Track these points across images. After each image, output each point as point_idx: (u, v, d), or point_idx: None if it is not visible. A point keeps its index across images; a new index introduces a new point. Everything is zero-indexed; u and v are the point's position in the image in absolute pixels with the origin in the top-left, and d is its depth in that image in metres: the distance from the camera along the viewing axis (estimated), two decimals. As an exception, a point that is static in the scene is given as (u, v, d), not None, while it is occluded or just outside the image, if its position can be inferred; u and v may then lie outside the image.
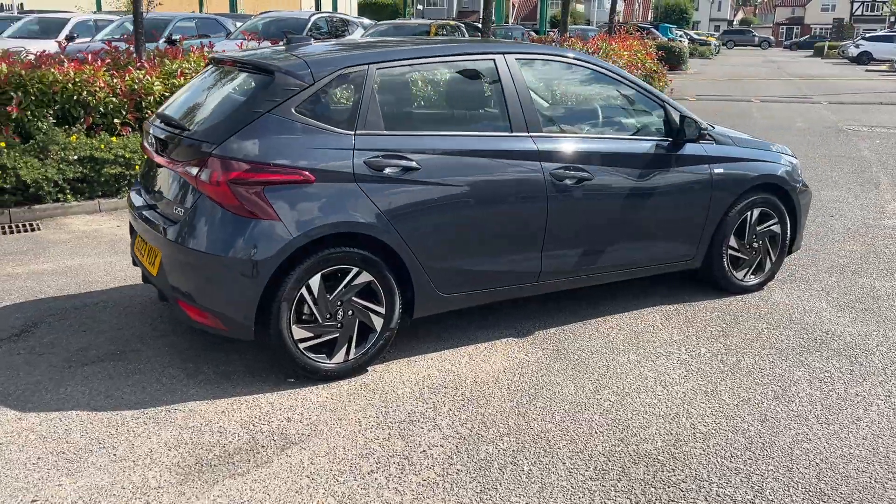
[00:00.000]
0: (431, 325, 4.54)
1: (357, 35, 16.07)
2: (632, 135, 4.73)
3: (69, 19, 16.81)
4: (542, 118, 4.42)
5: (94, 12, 24.02)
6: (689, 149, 4.78)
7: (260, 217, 3.63)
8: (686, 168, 4.76)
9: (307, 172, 3.70)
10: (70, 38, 16.08)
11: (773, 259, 5.28)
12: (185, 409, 3.62)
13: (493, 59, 4.29)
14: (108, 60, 8.23)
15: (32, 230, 6.61)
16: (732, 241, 5.05)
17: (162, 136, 4.03)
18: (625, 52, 16.35)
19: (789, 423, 3.57)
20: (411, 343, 4.35)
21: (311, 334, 3.81)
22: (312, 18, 15.71)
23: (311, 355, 3.84)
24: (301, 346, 3.80)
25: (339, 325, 3.86)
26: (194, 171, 3.71)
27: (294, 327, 3.76)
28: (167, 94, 7.98)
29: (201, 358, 4.13)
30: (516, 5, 62.84)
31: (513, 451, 3.30)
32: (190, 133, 3.88)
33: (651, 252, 4.77)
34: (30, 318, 4.64)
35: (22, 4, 31.27)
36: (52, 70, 7.51)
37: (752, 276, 5.24)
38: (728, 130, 5.36)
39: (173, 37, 15.84)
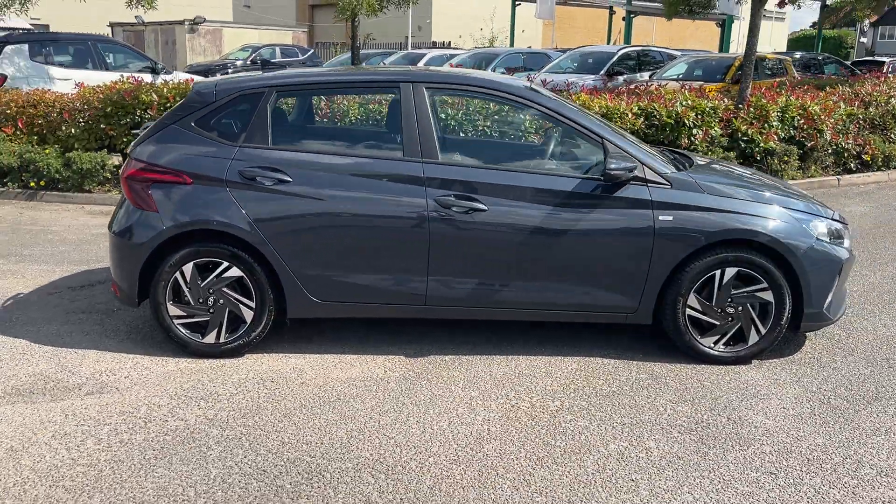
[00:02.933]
0: (343, 329, 4.87)
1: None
2: (551, 170, 4.50)
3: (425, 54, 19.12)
4: (443, 146, 4.48)
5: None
6: (628, 191, 4.38)
7: (144, 208, 4.42)
8: (618, 211, 4.37)
9: (185, 175, 4.39)
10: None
11: (763, 332, 4.49)
12: (93, 354, 4.54)
13: (399, 87, 4.50)
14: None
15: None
16: (693, 301, 4.45)
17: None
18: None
19: None
20: (316, 340, 4.75)
21: (184, 313, 4.48)
22: (620, 52, 15.84)
23: (186, 332, 4.50)
24: (176, 321, 4.48)
25: (209, 310, 4.47)
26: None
27: (170, 304, 4.46)
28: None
29: (140, 327, 5.01)
30: None
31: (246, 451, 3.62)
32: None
33: (572, 297, 4.47)
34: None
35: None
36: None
37: (724, 347, 4.53)
38: (717, 177, 4.70)
39: (497, 69, 17.20)
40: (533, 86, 4.87)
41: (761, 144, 10.11)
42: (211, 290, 4.44)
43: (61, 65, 11.19)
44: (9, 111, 9.44)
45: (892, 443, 3.66)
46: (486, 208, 4.33)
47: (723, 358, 4.53)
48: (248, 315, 4.47)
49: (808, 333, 4.97)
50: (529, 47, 23.96)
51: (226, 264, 4.41)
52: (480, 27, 42.94)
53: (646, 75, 15.61)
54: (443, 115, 4.74)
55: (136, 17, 28.37)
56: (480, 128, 5.14)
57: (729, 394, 4.15)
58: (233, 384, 4.18)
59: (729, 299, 4.44)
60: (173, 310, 4.46)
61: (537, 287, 4.45)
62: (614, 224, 4.36)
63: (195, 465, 3.37)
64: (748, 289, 4.43)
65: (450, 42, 36.73)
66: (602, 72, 15.65)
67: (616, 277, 4.43)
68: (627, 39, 29.45)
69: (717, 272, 4.41)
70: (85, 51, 11.63)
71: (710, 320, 4.48)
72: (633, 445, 3.60)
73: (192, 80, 9.34)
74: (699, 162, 5.14)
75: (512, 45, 30.62)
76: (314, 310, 4.52)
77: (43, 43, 11.26)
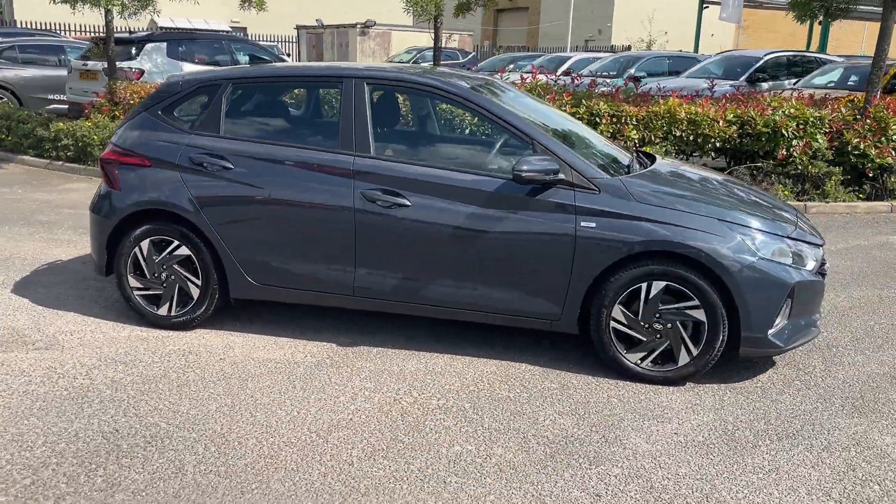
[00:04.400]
0: (297, 313, 5.07)
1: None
2: (478, 170, 4.44)
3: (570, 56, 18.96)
4: (380, 141, 4.55)
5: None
6: (552, 194, 4.26)
7: (112, 188, 4.87)
8: (540, 214, 4.26)
9: (146, 158, 4.78)
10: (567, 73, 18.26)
11: (695, 353, 4.20)
12: (69, 316, 5.05)
13: (342, 82, 4.64)
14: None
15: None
16: (618, 314, 4.25)
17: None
18: None
19: None
20: (265, 322, 4.99)
21: (142, 286, 4.88)
22: (766, 57, 14.89)
23: (143, 302, 4.90)
24: (136, 292, 4.89)
25: (163, 285, 4.84)
26: (109, 153, 5.11)
27: (130, 277, 4.88)
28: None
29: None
30: None
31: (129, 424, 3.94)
32: None
33: (494, 299, 4.41)
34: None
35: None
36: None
37: (651, 365, 4.28)
38: (656, 185, 4.42)
39: (636, 74, 16.75)
40: (480, 84, 4.81)
41: (875, 160, 9.21)
42: (164, 266, 4.79)
43: (194, 61, 12.23)
44: (132, 101, 10.49)
45: (763, 482, 3.33)
46: (409, 204, 4.37)
47: (649, 376, 4.28)
48: (196, 292, 4.78)
49: (789, 362, 4.56)
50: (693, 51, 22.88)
51: (177, 243, 4.75)
52: (665, 31, 41.67)
53: (794, 82, 14.57)
54: (391, 111, 4.80)
55: (316, 20, 30.23)
56: (427, 125, 5.13)
57: (629, 413, 3.93)
58: (161, 353, 4.50)
59: (657, 314, 4.19)
60: (133, 282, 4.86)
61: (460, 286, 4.42)
62: (535, 227, 4.25)
63: (64, 419, 3.70)
64: (677, 305, 4.16)
65: (629, 46, 35.94)
66: (743, 77, 14.80)
67: (538, 283, 4.31)
68: (823, 46, 27.49)
69: (644, 285, 4.17)
70: (218, 48, 12.64)
71: (637, 335, 4.24)
72: (477, 450, 3.53)
73: None
74: (658, 167, 4.86)
75: (696, 49, 29.47)
76: (253, 292, 4.75)
77: (180, 41, 12.36)
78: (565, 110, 9.08)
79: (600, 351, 4.33)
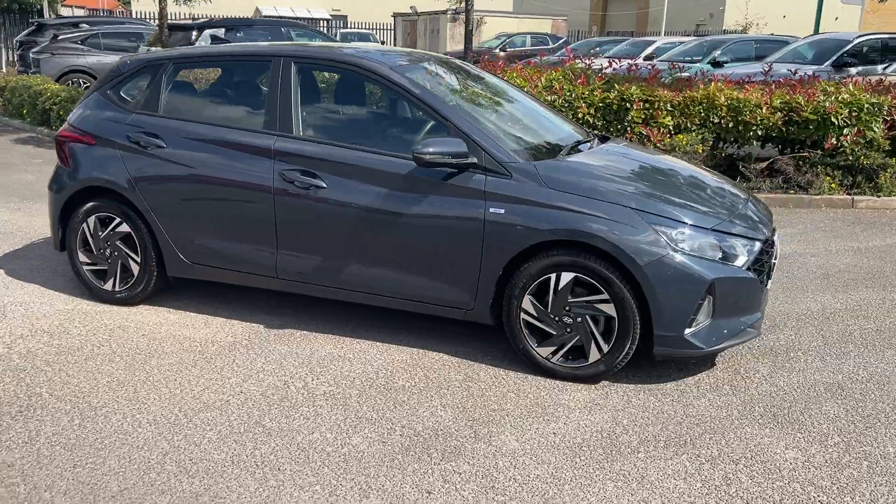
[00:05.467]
0: (243, 294, 5.10)
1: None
2: (395, 152, 4.29)
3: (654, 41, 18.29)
4: (305, 121, 4.49)
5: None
6: (463, 179, 4.09)
7: (63, 165, 5.02)
8: (451, 199, 4.10)
9: (91, 136, 4.91)
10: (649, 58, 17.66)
11: (605, 349, 3.95)
12: (31, 287, 5.27)
13: (270, 61, 4.60)
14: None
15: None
16: (528, 305, 4.05)
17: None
18: None
19: None
20: (208, 301, 5.05)
21: (90, 261, 5.02)
22: (856, 40, 13.87)
23: (92, 277, 5.04)
24: (85, 267, 5.04)
25: (107, 260, 4.97)
26: (71, 131, 5.27)
27: (80, 252, 5.03)
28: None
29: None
30: None
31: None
32: None
33: (408, 285, 4.28)
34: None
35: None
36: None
37: (562, 360, 4.05)
38: (577, 168, 4.16)
39: (719, 58, 15.99)
40: (416, 63, 4.65)
41: (940, 152, 8.41)
42: (108, 243, 4.91)
43: (250, 47, 12.50)
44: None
45: (618, 491, 3.09)
46: (325, 185, 4.30)
47: (559, 372, 4.05)
48: (136, 269, 4.88)
49: (732, 365, 4.24)
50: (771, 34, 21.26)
51: (118, 220, 4.85)
52: (783, 14, 39.67)
53: (885, 67, 13.53)
54: (318, 91, 4.71)
55: (410, 7, 30.42)
56: (353, 105, 5.00)
57: (519, 410, 3.74)
58: (91, 327, 4.61)
59: (566, 307, 3.96)
60: (82, 257, 5.00)
61: (375, 271, 4.32)
62: (446, 212, 4.10)
63: (-40, 385, 3.85)
64: (587, 298, 3.91)
65: (745, 28, 34.42)
66: (828, 62, 13.84)
67: (450, 270, 4.16)
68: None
69: (553, 276, 3.95)
70: (275, 34, 12.86)
71: (547, 329, 4.02)
72: (335, 439, 3.43)
73: None
74: (597, 150, 4.60)
75: (816, 31, 27.83)
76: (187, 271, 4.80)
77: (238, 28, 12.66)
78: (595, 95, 8.74)
79: (512, 343, 4.13)
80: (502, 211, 3.98)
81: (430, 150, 3.94)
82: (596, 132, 5.36)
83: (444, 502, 3.00)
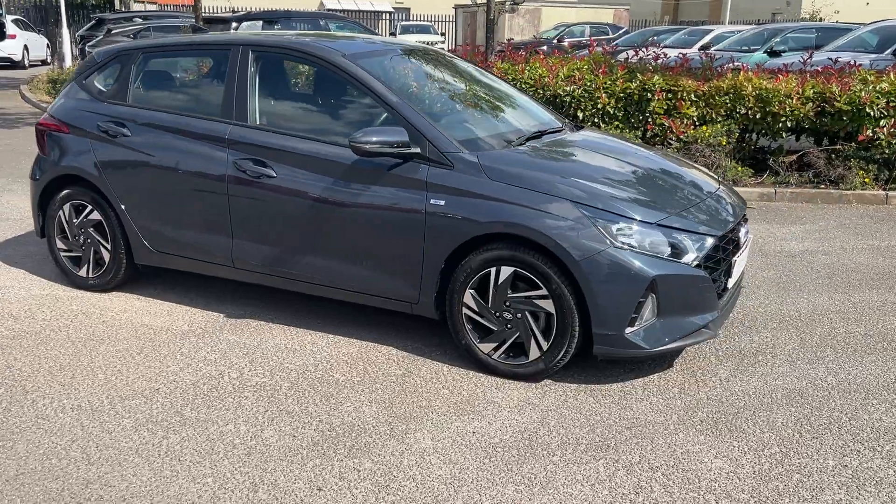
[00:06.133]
0: (210, 283, 5.11)
1: None
2: (340, 141, 4.21)
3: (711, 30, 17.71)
4: (257, 110, 4.45)
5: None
6: (407, 168, 4.00)
7: (42, 154, 5.13)
8: (394, 189, 4.01)
9: (65, 126, 4.99)
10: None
11: (545, 347, 3.80)
12: (15, 272, 5.41)
13: (229, 49, 4.59)
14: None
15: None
16: (469, 300, 3.93)
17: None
18: None
19: None
20: (177, 289, 5.08)
21: (66, 247, 5.12)
22: (917, 27, 13.11)
23: (69, 264, 5.14)
24: (62, 253, 5.14)
25: (81, 247, 5.06)
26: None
27: (57, 238, 5.13)
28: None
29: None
30: None
31: None
32: None
33: (357, 278, 4.21)
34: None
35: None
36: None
37: (504, 357, 3.91)
38: (524, 158, 4.01)
39: (776, 48, 15.39)
40: (374, 51, 4.56)
41: None
42: (81, 230, 4.99)
43: (286, 38, 12.60)
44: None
45: (516, 495, 2.96)
46: (275, 175, 4.27)
47: (500, 369, 3.93)
48: (107, 256, 4.95)
49: (691, 367, 4.05)
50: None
51: (90, 208, 4.92)
52: (866, 1, 38.00)
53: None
54: (273, 79, 4.66)
55: (471, -3, 30.21)
56: (309, 94, 4.92)
57: (447, 407, 3.63)
58: (58, 312, 4.70)
59: (506, 303, 3.83)
60: (59, 243, 5.10)
61: (325, 262, 4.27)
62: (389, 203, 4.01)
63: (-90, 366, 3.96)
64: (527, 294, 3.78)
65: (813, 16, 33.09)
66: (889, 51, 13.16)
67: (395, 263, 4.07)
68: None
69: (493, 270, 3.82)
70: (313, 27, 12.94)
71: (488, 324, 3.90)
72: (246, 431, 3.40)
73: None
74: (559, 138, 4.46)
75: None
76: (153, 258, 4.84)
77: (276, 21, 12.77)
78: (617, 85, 8.48)
79: (455, 339, 4.02)
80: (443, 203, 3.87)
81: (368, 138, 3.85)
82: (570, 121, 5.16)
83: (332, 499, 2.93)
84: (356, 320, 4.56)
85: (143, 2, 29.81)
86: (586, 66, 8.98)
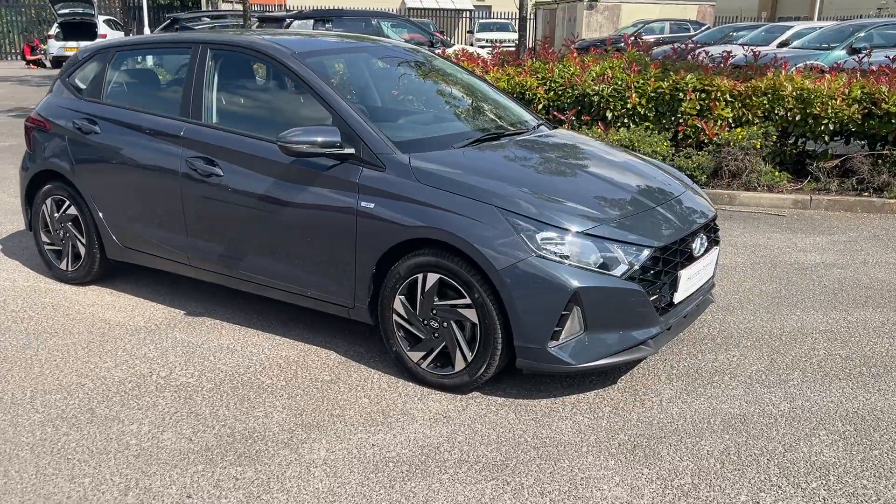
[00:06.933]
0: (180, 279, 5.16)
1: None
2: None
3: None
4: (210, 108, 4.43)
5: None
6: (342, 170, 3.91)
7: (28, 150, 5.29)
8: (329, 191, 3.92)
9: (48, 123, 5.12)
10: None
11: (469, 358, 3.65)
12: (6, 262, 5.60)
13: (190, 47, 4.60)
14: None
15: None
16: (399, 307, 3.81)
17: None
18: None
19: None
20: (149, 285, 5.14)
21: (49, 241, 5.25)
22: None
23: (52, 256, 5.27)
24: (46, 247, 5.29)
25: (61, 240, 5.18)
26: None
27: (42, 232, 5.28)
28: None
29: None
30: None
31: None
32: None
33: (297, 279, 4.14)
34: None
35: None
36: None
37: (432, 366, 3.78)
38: (465, 161, 3.85)
39: (855, 45, 14.57)
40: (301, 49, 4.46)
41: None
42: (61, 224, 5.11)
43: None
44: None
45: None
46: (222, 174, 4.25)
47: (428, 379, 3.80)
48: (82, 251, 5.05)
49: (637, 384, 3.82)
50: None
51: (67, 203, 5.04)
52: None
53: None
54: (229, 77, 4.63)
55: (551, -5, 29.81)
56: (262, 92, 4.84)
57: (359, 418, 3.52)
58: (29, 304, 4.81)
59: (433, 311, 3.69)
60: (43, 237, 5.24)
61: (267, 263, 4.22)
62: (324, 204, 3.93)
63: None
64: (452, 302, 3.63)
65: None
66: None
67: (331, 266, 3.99)
68: None
69: (421, 276, 3.69)
70: (364, 25, 12.97)
71: (417, 332, 3.77)
72: (149, 431, 3.37)
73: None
74: (523, 139, 4.32)
75: None
76: (122, 254, 4.90)
77: (326, 20, 12.86)
78: (649, 85, 8.15)
79: (387, 346, 3.91)
80: (372, 205, 3.76)
81: (296, 138, 3.77)
82: (547, 122, 4.95)
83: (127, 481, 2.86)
84: (310, 323, 4.50)
85: (232, 1, 30.64)
86: (620, 65, 8.66)
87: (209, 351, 4.17)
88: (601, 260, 3.45)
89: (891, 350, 4.25)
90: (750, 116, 7.94)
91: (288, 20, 12.57)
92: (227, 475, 3.05)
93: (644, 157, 4.66)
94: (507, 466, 3.12)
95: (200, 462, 3.14)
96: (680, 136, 8.10)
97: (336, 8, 16.35)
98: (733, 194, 7.64)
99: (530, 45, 23.85)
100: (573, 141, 4.62)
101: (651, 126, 8.15)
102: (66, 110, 5.01)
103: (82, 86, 5.07)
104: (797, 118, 7.80)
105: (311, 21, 12.71)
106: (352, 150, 3.83)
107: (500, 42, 21.65)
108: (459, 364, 3.65)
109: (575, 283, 3.38)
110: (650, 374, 3.93)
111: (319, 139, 3.77)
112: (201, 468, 3.10)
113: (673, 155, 7.89)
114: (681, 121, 8.07)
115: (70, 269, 5.12)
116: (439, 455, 3.20)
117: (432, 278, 3.63)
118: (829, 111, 7.65)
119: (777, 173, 7.88)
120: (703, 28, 23.92)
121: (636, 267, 3.50)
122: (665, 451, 3.24)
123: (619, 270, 3.47)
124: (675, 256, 3.68)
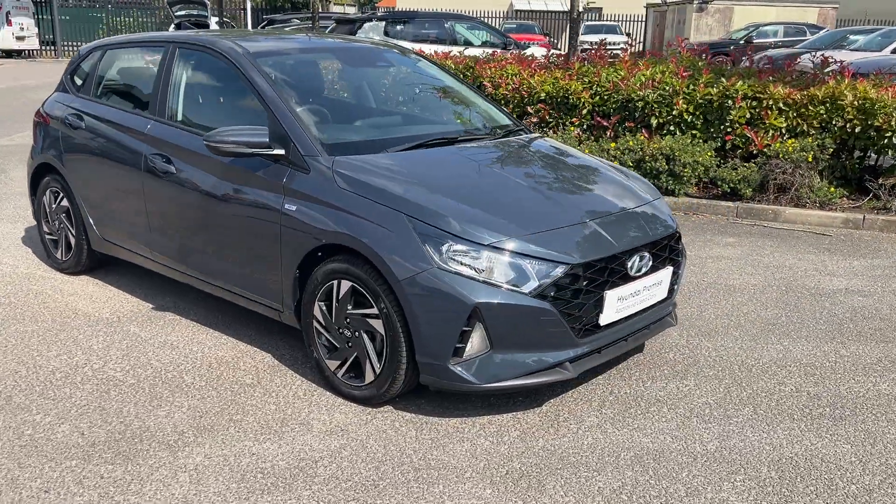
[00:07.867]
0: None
1: None
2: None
3: None
4: (173, 106, 4.47)
5: None
6: (272, 171, 3.87)
7: (34, 143, 5.53)
8: (258, 192, 3.88)
9: (48, 118, 5.33)
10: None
11: (378, 368, 3.53)
12: (8, 251, 5.87)
13: (165, 47, 4.67)
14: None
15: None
16: (318, 313, 3.73)
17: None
18: None
19: None
20: (131, 277, 5.24)
21: (48, 231, 5.47)
22: None
23: (52, 247, 5.48)
24: (46, 237, 5.51)
25: (57, 231, 5.39)
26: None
27: (43, 223, 5.50)
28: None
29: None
30: None
31: None
32: None
33: (233, 279, 4.12)
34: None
35: None
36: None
37: (346, 376, 3.67)
38: (396, 165, 3.71)
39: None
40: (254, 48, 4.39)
41: None
42: (57, 215, 5.31)
43: (408, 38, 12.68)
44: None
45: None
46: (175, 171, 4.29)
47: (342, 390, 3.69)
48: (73, 241, 5.23)
49: (578, 405, 3.61)
50: None
51: (62, 194, 5.23)
52: None
53: None
54: (197, 76, 4.64)
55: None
56: (224, 91, 4.77)
57: (258, 426, 3.45)
58: (15, 291, 5.00)
59: (346, 319, 3.59)
60: (44, 226, 5.47)
61: (212, 261, 4.23)
62: (254, 206, 3.90)
63: None
64: (361, 311, 3.52)
65: None
66: None
67: (261, 269, 3.95)
68: None
69: (335, 283, 3.59)
70: (438, 28, 12.92)
71: (333, 340, 3.68)
72: (50, 423, 3.41)
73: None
74: (482, 145, 4.17)
75: None
76: (103, 246, 5.03)
77: (398, 22, 12.88)
78: (697, 91, 7.71)
79: (308, 352, 3.83)
80: (294, 208, 3.69)
81: (221, 138, 3.75)
82: (523, 126, 4.73)
83: (51, 503, 2.86)
84: (264, 324, 4.46)
85: (343, 3, 31.42)
86: (670, 69, 8.24)
87: (152, 346, 4.20)
88: (512, 275, 3.24)
89: (871, 391, 3.81)
90: (805, 127, 7.38)
91: (360, 23, 12.69)
92: (94, 473, 3.04)
93: (617, 167, 4.38)
94: (377, 487, 2.97)
95: (77, 457, 3.15)
96: (728, 145, 7.62)
97: (430, 10, 16.41)
98: (778, 210, 7.11)
99: (639, 49, 23.16)
100: (537, 148, 4.39)
101: (698, 134, 7.71)
102: (63, 106, 5.19)
103: (78, 82, 5.24)
104: (857, 130, 7.18)
105: (382, 23, 12.78)
106: (281, 152, 3.77)
107: (609, 44, 21.09)
108: (369, 376, 3.53)
109: (476, 298, 3.18)
110: (583, 398, 3.68)
111: (245, 140, 3.73)
112: (74, 464, 3.11)
113: (717, 166, 7.44)
114: (729, 130, 7.59)
115: (63, 258, 5.30)
116: (313, 469, 3.09)
117: (345, 286, 3.52)
118: (894, 122, 7.00)
119: (832, 189, 7.28)
120: (821, 31, 22.55)
121: (546, 284, 3.26)
122: (552, 484, 3.00)
123: (528, 287, 3.25)
124: (600, 275, 3.41)
